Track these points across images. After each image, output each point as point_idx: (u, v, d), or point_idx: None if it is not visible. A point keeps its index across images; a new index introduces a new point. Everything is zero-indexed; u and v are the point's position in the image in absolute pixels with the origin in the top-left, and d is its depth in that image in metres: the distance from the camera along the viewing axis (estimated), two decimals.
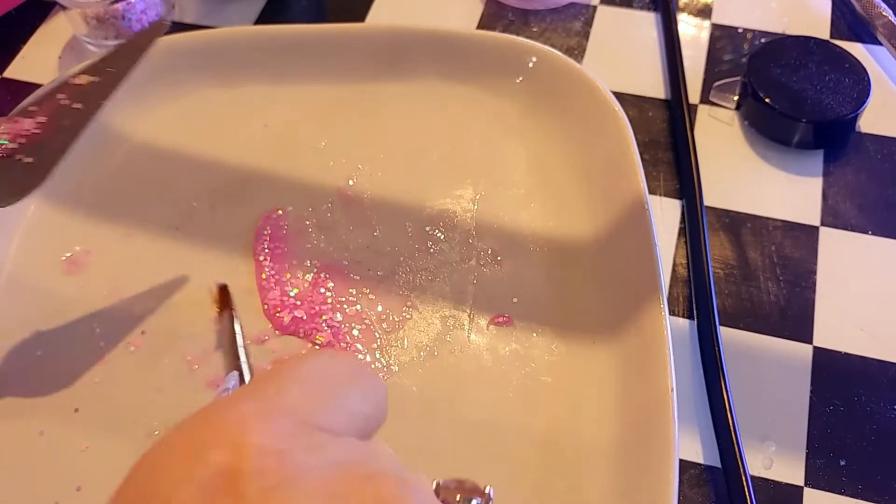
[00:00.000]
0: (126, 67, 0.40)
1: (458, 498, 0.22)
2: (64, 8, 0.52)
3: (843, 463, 0.37)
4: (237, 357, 0.39)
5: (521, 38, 0.48)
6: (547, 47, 0.48)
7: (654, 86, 0.51)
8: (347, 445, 0.21)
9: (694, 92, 0.50)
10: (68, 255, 0.44)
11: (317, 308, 0.41)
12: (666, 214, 0.45)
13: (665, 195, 0.46)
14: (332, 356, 0.24)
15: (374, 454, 0.21)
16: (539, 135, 0.47)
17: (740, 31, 0.54)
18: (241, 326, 0.40)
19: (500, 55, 0.48)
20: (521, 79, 0.48)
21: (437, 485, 0.23)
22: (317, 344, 0.40)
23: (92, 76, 0.39)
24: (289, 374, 0.23)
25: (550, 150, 0.46)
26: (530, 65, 0.48)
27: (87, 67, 0.40)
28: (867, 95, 0.46)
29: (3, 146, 0.37)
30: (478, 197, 0.45)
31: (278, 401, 0.21)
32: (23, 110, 0.38)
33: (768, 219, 0.45)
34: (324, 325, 0.41)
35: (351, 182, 0.46)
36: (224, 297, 0.41)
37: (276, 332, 0.41)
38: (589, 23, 0.55)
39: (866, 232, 0.44)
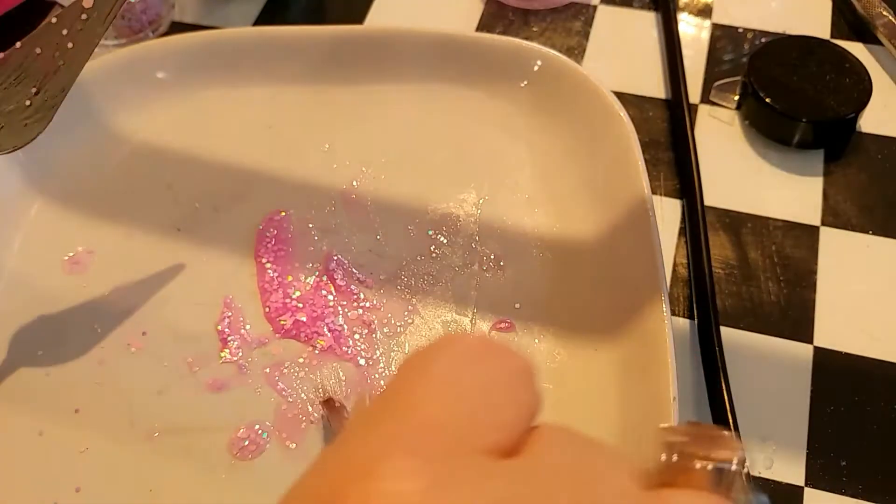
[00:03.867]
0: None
1: (698, 458, 0.17)
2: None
3: (843, 463, 0.37)
4: None
5: (526, 42, 0.48)
6: (552, 51, 0.47)
7: (654, 86, 0.51)
8: (519, 470, 0.17)
9: (694, 92, 0.50)
10: (70, 255, 0.44)
11: (318, 311, 0.41)
12: (666, 214, 0.45)
13: (665, 195, 0.46)
14: (460, 348, 0.19)
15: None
16: (543, 139, 0.47)
17: (740, 30, 0.54)
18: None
19: (505, 59, 0.48)
20: (525, 82, 0.48)
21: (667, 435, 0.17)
22: (317, 348, 0.40)
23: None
24: (419, 385, 0.18)
25: (554, 154, 0.46)
26: (535, 69, 0.48)
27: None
28: (867, 95, 0.46)
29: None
30: (481, 201, 0.45)
31: (413, 420, 0.17)
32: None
33: (769, 219, 0.45)
34: (325, 328, 0.41)
35: (354, 185, 0.46)
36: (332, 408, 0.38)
37: (277, 335, 0.41)
38: (589, 22, 0.55)
39: (866, 232, 0.44)
